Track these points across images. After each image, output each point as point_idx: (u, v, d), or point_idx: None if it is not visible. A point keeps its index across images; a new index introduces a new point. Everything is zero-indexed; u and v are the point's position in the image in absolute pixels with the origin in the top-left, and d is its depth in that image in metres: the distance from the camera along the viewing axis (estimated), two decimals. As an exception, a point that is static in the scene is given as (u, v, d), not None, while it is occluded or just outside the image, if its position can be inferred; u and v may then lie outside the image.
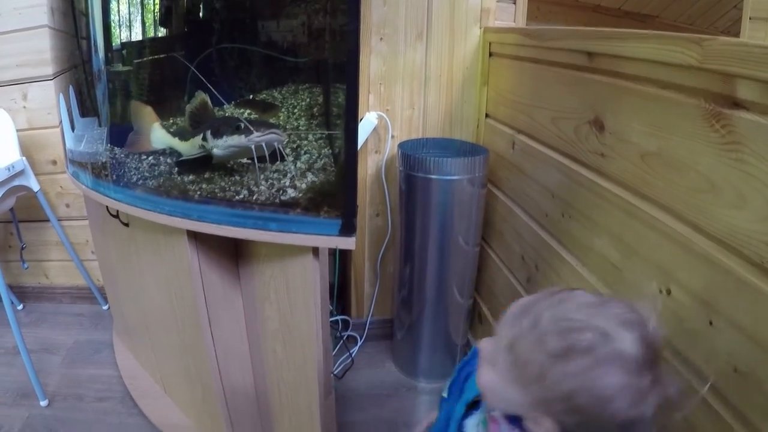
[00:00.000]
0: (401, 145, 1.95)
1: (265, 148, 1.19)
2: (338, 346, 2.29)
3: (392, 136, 2.03)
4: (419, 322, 2.08)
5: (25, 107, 2.36)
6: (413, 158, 1.81)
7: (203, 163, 1.27)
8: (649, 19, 3.90)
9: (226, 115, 1.23)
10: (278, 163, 1.20)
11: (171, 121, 1.30)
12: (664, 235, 1.03)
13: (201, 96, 1.21)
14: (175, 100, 1.29)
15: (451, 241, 1.90)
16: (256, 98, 1.21)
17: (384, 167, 2.07)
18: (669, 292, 1.03)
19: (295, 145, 1.19)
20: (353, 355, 2.27)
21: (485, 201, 1.93)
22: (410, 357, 2.18)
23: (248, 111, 1.22)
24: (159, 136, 1.31)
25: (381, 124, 2.01)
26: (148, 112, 1.31)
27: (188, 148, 1.29)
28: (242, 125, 1.18)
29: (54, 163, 2.46)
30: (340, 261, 2.30)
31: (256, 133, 1.17)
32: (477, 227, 1.94)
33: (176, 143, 1.29)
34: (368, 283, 2.31)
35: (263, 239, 1.29)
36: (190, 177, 1.30)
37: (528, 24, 2.14)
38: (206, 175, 1.28)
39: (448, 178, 1.77)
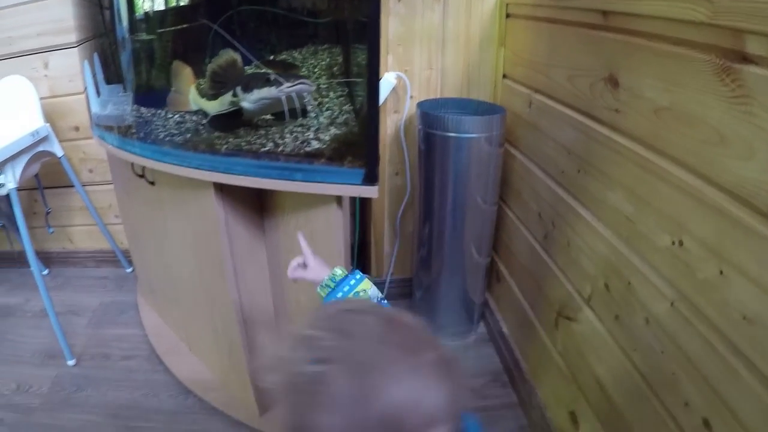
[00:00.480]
0: (420, 104, 1.96)
1: (295, 99, 1.22)
2: (358, 305, 2.31)
3: (411, 97, 2.05)
4: (438, 281, 2.11)
5: (46, 75, 2.39)
6: (432, 117, 1.82)
7: (232, 119, 1.30)
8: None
9: (253, 72, 1.26)
10: (301, 119, 1.23)
11: (197, 82, 1.33)
12: (676, 187, 1.05)
13: (229, 54, 1.24)
14: (201, 64, 1.31)
15: (469, 200, 1.91)
16: (277, 59, 1.24)
17: (403, 127, 2.09)
18: (681, 244, 1.05)
19: (317, 102, 1.22)
20: (373, 313, 2.29)
21: (503, 160, 1.94)
22: (429, 315, 2.20)
23: (270, 71, 1.24)
24: (193, 96, 1.35)
25: (400, 85, 2.03)
26: (187, 72, 1.34)
27: (216, 106, 1.31)
28: (272, 77, 1.21)
29: (77, 129, 2.50)
30: (360, 221, 2.34)
31: (287, 83, 1.20)
32: (495, 186, 1.95)
33: (203, 103, 1.33)
34: (388, 243, 2.34)
35: (289, 189, 1.32)
36: (218, 133, 1.34)
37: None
38: (233, 131, 1.31)
39: (467, 136, 1.78)
